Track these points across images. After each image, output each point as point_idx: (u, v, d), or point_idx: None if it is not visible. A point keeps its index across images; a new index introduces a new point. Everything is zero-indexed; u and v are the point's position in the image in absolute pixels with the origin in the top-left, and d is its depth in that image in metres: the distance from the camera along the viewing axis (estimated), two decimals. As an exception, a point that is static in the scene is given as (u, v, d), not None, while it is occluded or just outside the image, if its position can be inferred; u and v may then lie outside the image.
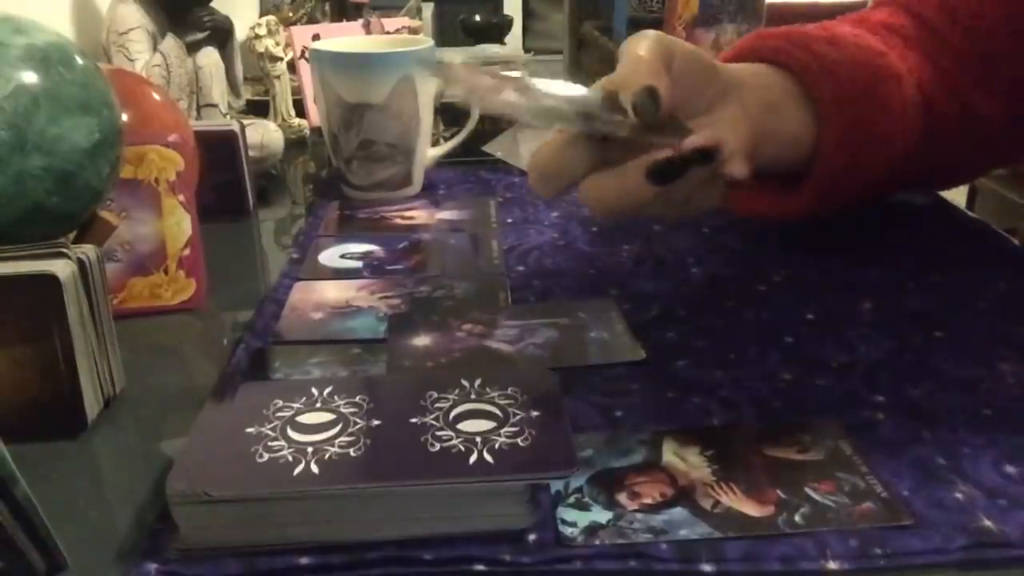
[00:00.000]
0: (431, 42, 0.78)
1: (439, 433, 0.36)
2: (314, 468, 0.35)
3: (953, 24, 0.62)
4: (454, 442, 0.36)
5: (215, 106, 0.87)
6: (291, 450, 0.36)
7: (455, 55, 0.89)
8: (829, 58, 0.56)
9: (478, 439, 0.36)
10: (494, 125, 0.83)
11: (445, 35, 1.21)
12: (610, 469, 0.39)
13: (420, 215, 0.73)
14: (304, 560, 0.34)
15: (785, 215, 0.59)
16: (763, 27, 0.89)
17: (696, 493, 0.37)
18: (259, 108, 0.97)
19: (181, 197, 0.57)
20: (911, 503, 0.36)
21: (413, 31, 1.11)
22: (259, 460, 0.35)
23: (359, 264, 0.63)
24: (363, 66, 0.73)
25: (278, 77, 0.96)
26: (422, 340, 0.51)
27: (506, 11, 2.39)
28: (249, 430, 0.37)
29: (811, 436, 0.41)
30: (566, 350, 0.50)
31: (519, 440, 0.36)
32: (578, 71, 1.47)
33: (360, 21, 1.08)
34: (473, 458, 0.35)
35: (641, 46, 0.48)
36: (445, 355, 0.50)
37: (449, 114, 0.83)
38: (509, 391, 0.40)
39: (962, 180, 0.79)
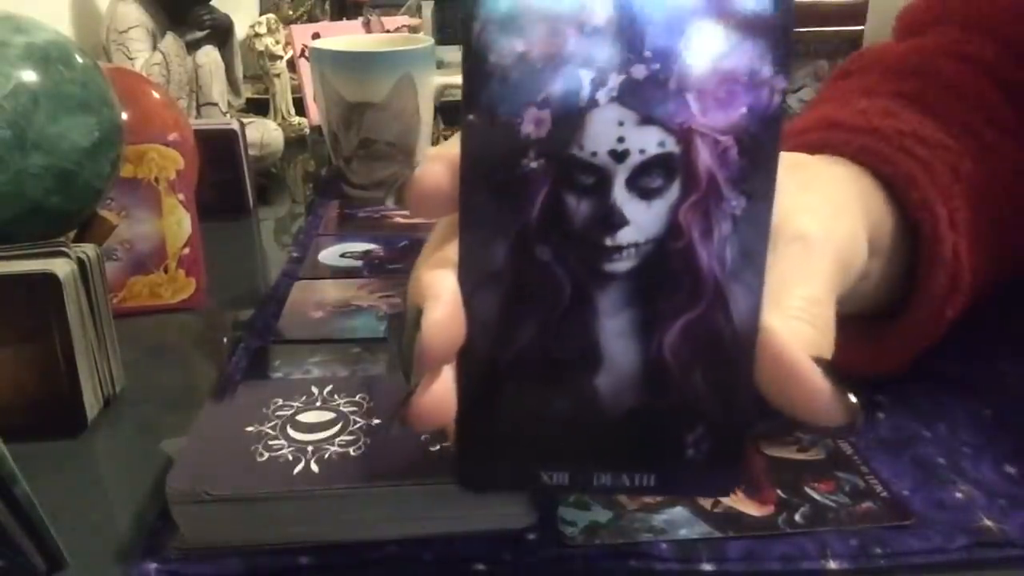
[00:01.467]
0: (431, 41, 0.78)
1: (439, 433, 0.36)
2: (314, 467, 0.35)
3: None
4: (454, 442, 0.36)
5: (215, 105, 0.87)
6: (291, 449, 0.36)
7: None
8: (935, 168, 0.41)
9: (478, 439, 0.36)
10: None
11: (445, 34, 1.21)
12: (610, 469, 0.39)
13: (420, 214, 0.72)
14: (304, 560, 0.34)
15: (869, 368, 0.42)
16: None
17: (696, 493, 0.37)
18: (259, 106, 0.97)
19: (181, 196, 0.57)
20: (911, 503, 0.36)
21: (413, 30, 1.11)
22: (259, 459, 0.35)
23: (359, 263, 0.63)
24: (363, 65, 0.73)
25: (278, 75, 0.96)
26: (422, 339, 0.51)
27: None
28: (249, 429, 0.37)
29: (811, 436, 0.41)
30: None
31: (519, 440, 0.36)
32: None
33: (360, 20, 1.07)
34: (473, 458, 0.35)
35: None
36: (445, 354, 0.49)
37: (449, 113, 0.83)
38: (509, 390, 0.40)
39: None
